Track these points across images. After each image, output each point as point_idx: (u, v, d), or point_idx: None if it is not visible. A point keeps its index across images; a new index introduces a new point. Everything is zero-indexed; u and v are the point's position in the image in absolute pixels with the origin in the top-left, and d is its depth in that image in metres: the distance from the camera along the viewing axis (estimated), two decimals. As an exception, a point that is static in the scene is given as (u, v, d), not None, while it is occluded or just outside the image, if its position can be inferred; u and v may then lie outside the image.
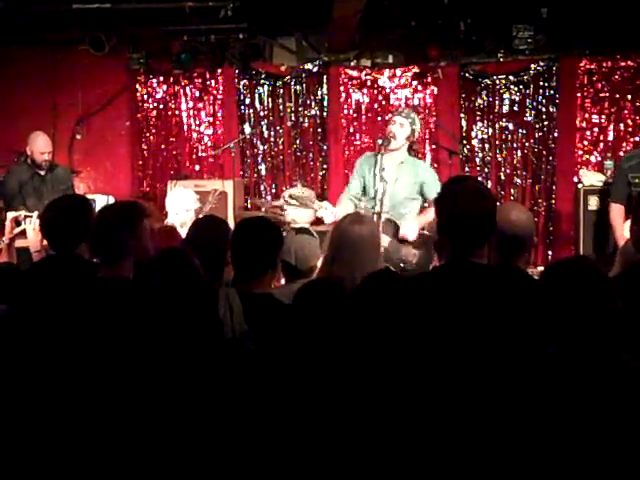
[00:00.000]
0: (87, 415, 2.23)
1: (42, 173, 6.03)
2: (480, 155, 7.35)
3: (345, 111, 7.39)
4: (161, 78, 7.55)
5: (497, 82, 7.22)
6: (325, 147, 7.47)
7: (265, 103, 7.54)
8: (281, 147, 7.57)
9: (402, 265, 4.65)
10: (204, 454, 2.06)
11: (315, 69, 7.34)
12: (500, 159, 7.34)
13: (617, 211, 5.35)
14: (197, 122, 7.60)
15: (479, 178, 7.20)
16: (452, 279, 2.21)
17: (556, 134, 7.13)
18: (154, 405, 2.12)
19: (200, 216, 4.72)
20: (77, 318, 2.44)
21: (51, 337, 2.41)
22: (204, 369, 2.16)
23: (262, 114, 7.55)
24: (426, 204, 5.09)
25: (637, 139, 6.99)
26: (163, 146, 7.67)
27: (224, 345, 2.30)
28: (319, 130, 7.51)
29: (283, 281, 3.58)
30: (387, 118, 5.25)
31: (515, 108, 7.23)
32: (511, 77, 7.18)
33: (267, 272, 2.79)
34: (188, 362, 2.16)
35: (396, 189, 4.95)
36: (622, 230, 5.06)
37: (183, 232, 4.31)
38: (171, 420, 2.10)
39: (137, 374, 2.16)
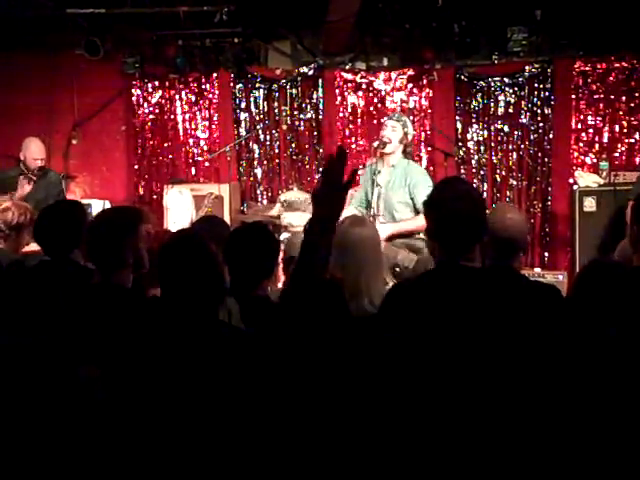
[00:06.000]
0: (84, 416, 2.23)
1: (34, 179, 5.99)
2: (476, 157, 7.35)
3: (341, 114, 7.39)
4: (156, 82, 7.55)
5: (492, 84, 7.22)
6: (321, 150, 7.47)
7: (261, 107, 7.55)
8: (277, 150, 7.57)
9: (397, 270, 4.65)
10: (202, 455, 2.06)
11: (310, 72, 7.35)
12: (496, 161, 7.33)
13: None
14: (193, 126, 7.59)
15: (475, 180, 7.23)
16: (440, 282, 2.20)
17: (551, 136, 7.12)
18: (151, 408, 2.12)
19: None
20: (68, 323, 2.44)
21: (44, 343, 2.41)
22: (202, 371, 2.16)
23: (257, 118, 7.55)
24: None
25: (632, 140, 7.00)
26: (159, 150, 7.66)
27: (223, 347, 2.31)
28: (315, 133, 7.51)
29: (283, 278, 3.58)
30: (382, 121, 5.26)
31: (510, 110, 7.23)
32: (506, 79, 7.18)
33: (262, 281, 2.80)
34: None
35: (389, 193, 4.98)
36: None
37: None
38: (168, 421, 2.09)
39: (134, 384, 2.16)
